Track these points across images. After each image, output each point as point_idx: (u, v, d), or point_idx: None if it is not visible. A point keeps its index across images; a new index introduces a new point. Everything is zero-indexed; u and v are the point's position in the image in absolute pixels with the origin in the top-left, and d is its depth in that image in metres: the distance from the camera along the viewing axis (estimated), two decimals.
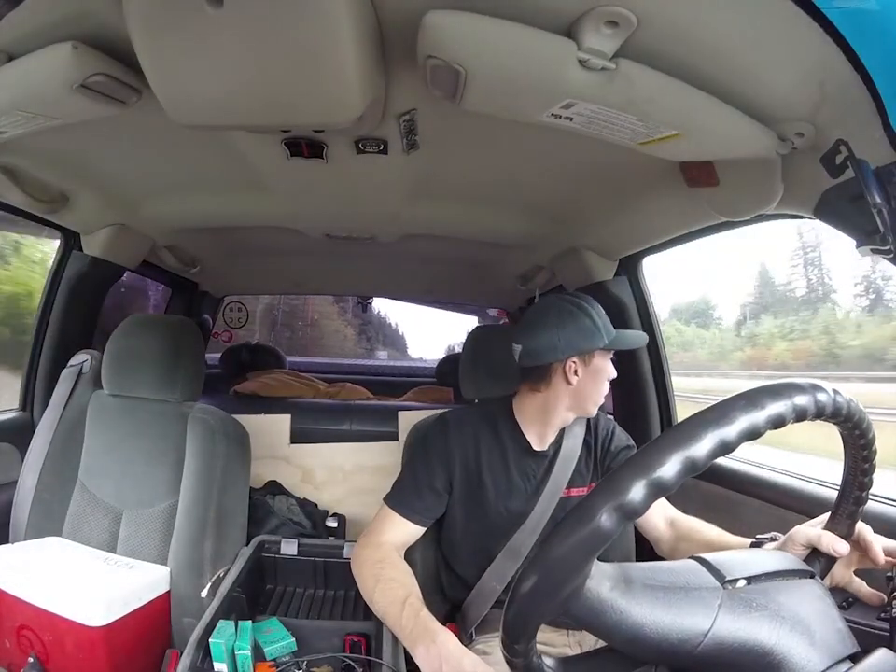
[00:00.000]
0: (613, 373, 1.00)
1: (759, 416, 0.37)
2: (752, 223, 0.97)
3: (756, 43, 0.58)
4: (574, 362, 0.96)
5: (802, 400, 0.39)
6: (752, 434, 0.37)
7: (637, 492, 0.35)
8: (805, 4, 0.50)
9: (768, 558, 0.46)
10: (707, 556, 0.43)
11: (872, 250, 0.62)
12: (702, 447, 0.36)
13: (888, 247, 0.59)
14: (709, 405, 0.39)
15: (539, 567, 0.37)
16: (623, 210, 1.17)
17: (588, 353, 0.96)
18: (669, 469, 0.35)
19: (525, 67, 0.60)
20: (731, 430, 0.36)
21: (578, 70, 0.59)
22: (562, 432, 1.03)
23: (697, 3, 0.54)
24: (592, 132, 0.72)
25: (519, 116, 0.71)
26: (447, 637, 0.72)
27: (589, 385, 0.97)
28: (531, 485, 0.99)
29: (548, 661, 0.45)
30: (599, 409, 1.15)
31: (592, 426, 1.05)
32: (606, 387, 1.00)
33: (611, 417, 1.16)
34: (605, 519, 0.35)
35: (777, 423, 0.38)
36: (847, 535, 0.56)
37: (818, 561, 0.55)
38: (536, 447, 1.01)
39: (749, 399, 0.38)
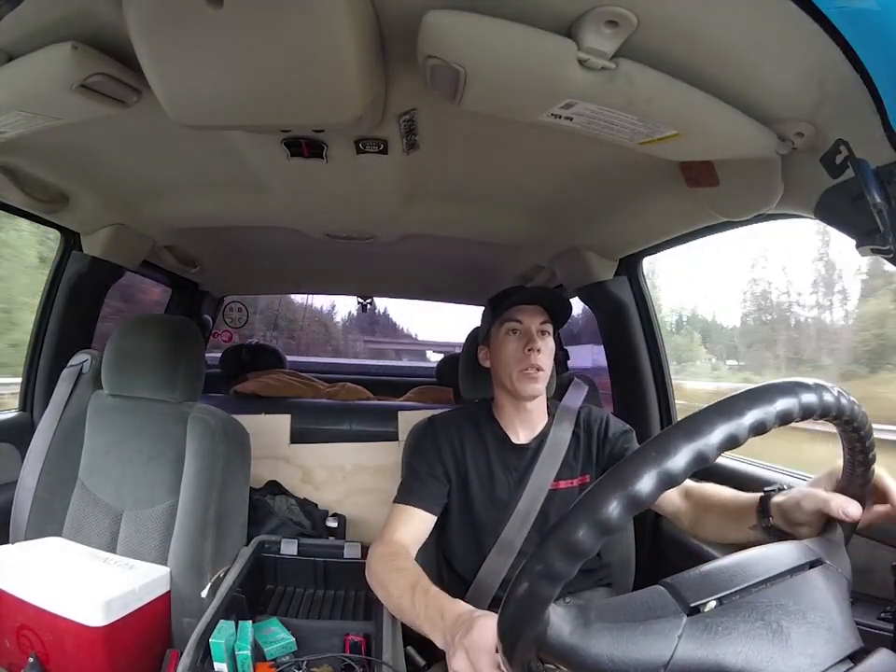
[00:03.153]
0: (521, 342, 0.97)
1: (768, 411, 0.37)
2: (752, 223, 0.97)
3: (756, 43, 0.58)
4: (482, 349, 1.07)
5: (809, 398, 0.39)
6: (760, 429, 0.37)
7: (559, 561, 0.36)
8: (804, 4, 0.50)
9: (755, 565, 0.44)
10: (676, 580, 0.42)
11: (872, 250, 0.62)
12: (713, 438, 0.36)
13: (888, 247, 0.59)
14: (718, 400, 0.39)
15: (504, 617, 0.39)
16: (623, 210, 1.17)
17: (485, 336, 1.05)
18: (646, 483, 0.35)
19: (525, 67, 0.60)
20: (742, 423, 0.37)
21: (578, 70, 0.59)
22: (548, 426, 1.04)
23: (697, 3, 0.54)
24: (592, 132, 0.72)
25: (519, 116, 0.71)
26: (455, 610, 0.69)
27: (496, 364, 1.03)
28: (514, 477, 1.01)
29: None
30: (596, 404, 1.14)
31: (582, 418, 1.06)
32: (513, 358, 0.98)
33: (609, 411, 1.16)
34: (536, 585, 0.37)
35: (785, 419, 0.38)
36: (862, 496, 0.53)
37: (834, 530, 0.53)
38: (515, 440, 1.04)
39: (758, 395, 0.38)
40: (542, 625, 0.38)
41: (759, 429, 0.37)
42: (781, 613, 0.40)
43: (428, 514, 0.96)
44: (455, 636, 0.62)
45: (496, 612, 0.41)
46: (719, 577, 0.43)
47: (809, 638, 0.39)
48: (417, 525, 0.95)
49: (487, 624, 0.59)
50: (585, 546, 0.35)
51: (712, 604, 0.40)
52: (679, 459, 0.36)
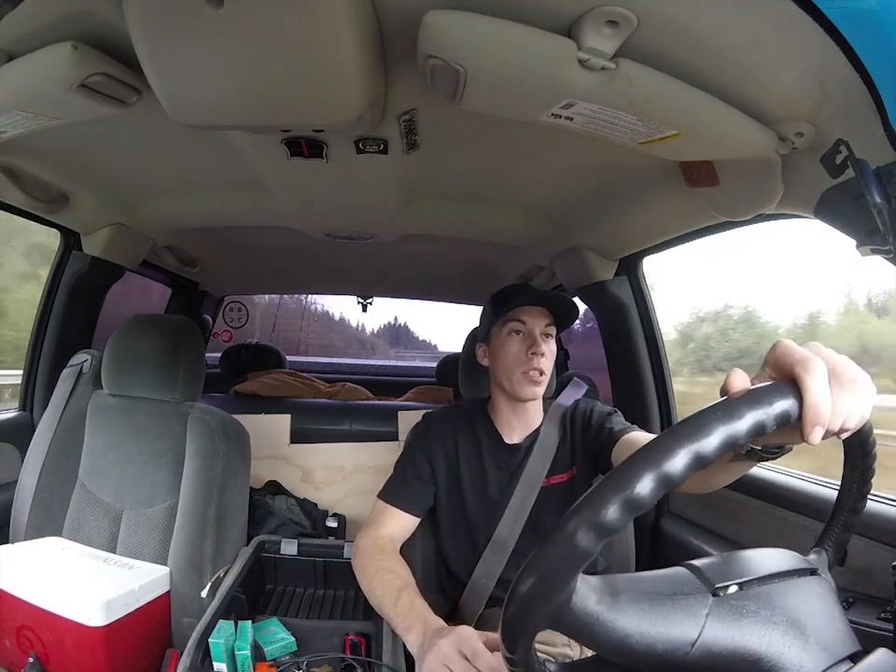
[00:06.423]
0: (525, 345, 0.97)
1: (768, 412, 0.36)
2: (752, 223, 0.97)
3: (756, 43, 0.58)
4: (481, 346, 1.06)
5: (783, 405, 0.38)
6: (760, 430, 0.36)
7: (612, 512, 0.34)
8: (804, 4, 0.50)
9: (764, 560, 0.45)
10: (698, 562, 0.43)
11: (872, 250, 0.62)
12: (711, 441, 0.34)
13: (888, 247, 0.59)
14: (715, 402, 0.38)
15: (525, 583, 0.37)
16: (622, 210, 1.17)
17: (485, 335, 1.04)
18: (715, 439, 0.34)
19: (526, 67, 0.60)
20: (741, 425, 0.35)
21: (578, 70, 0.59)
22: (541, 425, 1.04)
23: (697, 3, 0.54)
24: (592, 131, 0.72)
25: (519, 116, 0.71)
26: (439, 622, 0.74)
27: (495, 364, 1.02)
28: (505, 476, 1.01)
29: (550, 667, 0.45)
30: (597, 399, 1.13)
31: (569, 413, 1.05)
32: (515, 360, 0.97)
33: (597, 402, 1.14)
34: (581, 537, 0.34)
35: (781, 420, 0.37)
36: (840, 553, 0.53)
37: (825, 550, 0.53)
38: (508, 440, 1.04)
39: (761, 396, 0.37)
40: (569, 590, 0.36)
41: (759, 431, 0.36)
42: (797, 604, 0.40)
43: (411, 517, 0.98)
44: (433, 639, 0.69)
45: (496, 612, 0.41)
46: (737, 564, 0.43)
47: (823, 632, 0.39)
48: (400, 525, 0.98)
49: (467, 629, 0.68)
50: (645, 500, 0.33)
51: (733, 588, 0.40)
52: (744, 424, 0.35)
